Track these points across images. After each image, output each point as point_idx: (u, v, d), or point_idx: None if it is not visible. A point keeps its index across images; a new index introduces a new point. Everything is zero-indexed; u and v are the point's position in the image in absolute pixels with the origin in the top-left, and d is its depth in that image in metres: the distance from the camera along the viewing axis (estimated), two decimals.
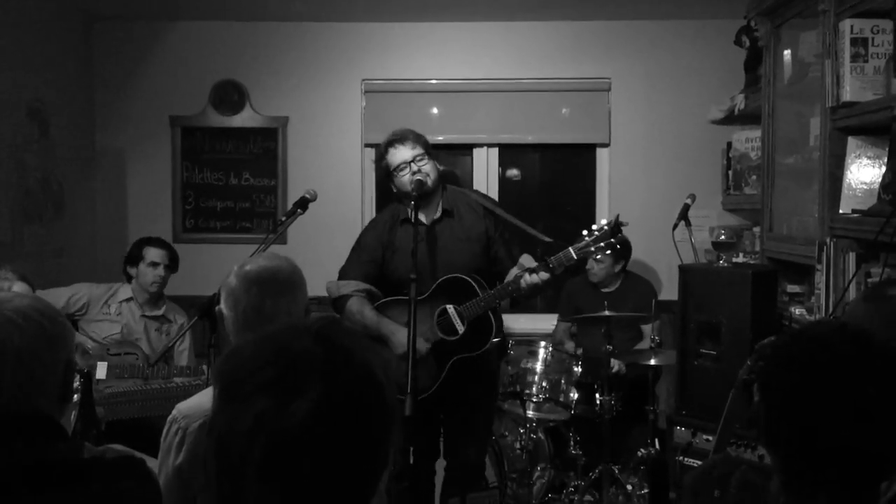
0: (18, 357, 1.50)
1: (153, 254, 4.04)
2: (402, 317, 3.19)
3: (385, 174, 3.39)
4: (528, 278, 3.06)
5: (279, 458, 0.98)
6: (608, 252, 3.11)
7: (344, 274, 3.44)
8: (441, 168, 3.46)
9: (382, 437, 1.05)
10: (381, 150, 3.39)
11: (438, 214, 3.39)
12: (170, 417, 1.98)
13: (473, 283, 3.21)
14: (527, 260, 3.31)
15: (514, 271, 3.22)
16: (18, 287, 3.40)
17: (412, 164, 3.28)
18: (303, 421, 0.97)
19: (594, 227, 3.05)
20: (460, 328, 3.18)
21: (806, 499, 1.20)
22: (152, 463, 1.92)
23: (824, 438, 1.19)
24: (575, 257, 3.03)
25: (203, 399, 2.00)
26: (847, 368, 1.22)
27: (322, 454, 0.99)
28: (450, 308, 3.21)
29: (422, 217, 3.31)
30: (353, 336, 1.09)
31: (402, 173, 3.30)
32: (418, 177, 3.26)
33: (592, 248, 3.03)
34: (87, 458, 1.53)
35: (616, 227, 3.02)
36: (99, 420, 2.74)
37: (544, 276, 3.04)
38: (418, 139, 3.35)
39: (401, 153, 3.30)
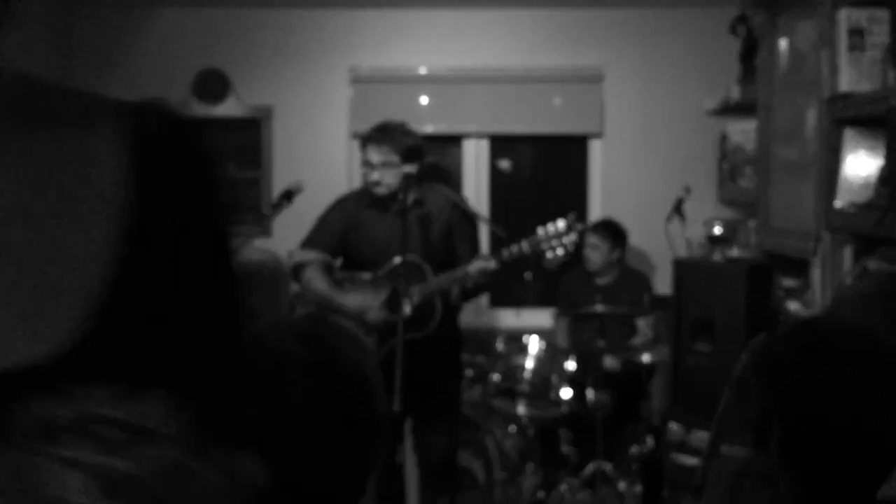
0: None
1: None
2: (353, 291, 3.40)
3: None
4: (477, 263, 3.21)
5: (266, 463, 0.95)
6: (569, 248, 3.25)
7: (306, 243, 3.53)
8: (419, 168, 3.45)
9: (372, 439, 1.03)
10: (361, 142, 3.51)
11: (408, 204, 3.42)
12: None
13: (426, 268, 3.32)
14: (483, 254, 3.44)
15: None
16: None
17: (375, 169, 3.35)
18: (289, 426, 0.97)
19: (550, 224, 3.21)
20: (407, 309, 3.21)
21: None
22: None
23: (817, 438, 1.15)
24: (525, 250, 3.20)
25: None
26: (842, 365, 1.18)
27: (309, 458, 0.98)
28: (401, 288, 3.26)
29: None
30: (342, 335, 1.06)
31: (364, 170, 3.43)
32: (374, 187, 3.38)
33: (543, 246, 3.20)
34: None
35: (570, 227, 3.19)
36: None
37: (492, 263, 3.20)
38: (395, 144, 3.36)
39: (368, 154, 3.38)
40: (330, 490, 1.00)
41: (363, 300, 3.36)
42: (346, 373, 1.01)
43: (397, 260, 3.29)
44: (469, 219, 3.54)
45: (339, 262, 3.59)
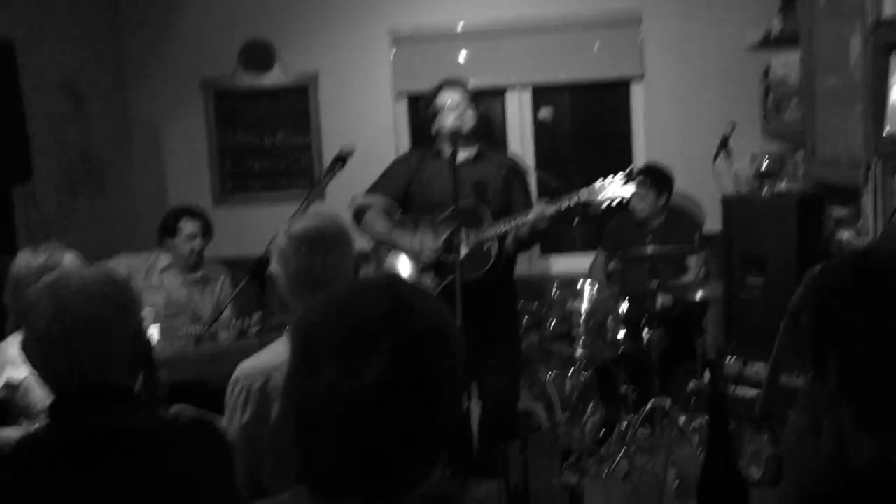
0: (89, 327, 1.54)
1: (189, 226, 4.04)
2: (411, 231, 3.56)
3: (431, 113, 3.61)
4: (537, 208, 3.32)
5: (356, 418, 1.02)
6: (625, 201, 3.33)
7: (371, 189, 3.72)
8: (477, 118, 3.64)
9: (455, 386, 1.08)
10: (432, 92, 3.62)
11: (469, 155, 3.61)
12: (233, 378, 2.03)
13: (484, 213, 3.46)
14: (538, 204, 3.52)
15: None
16: (69, 258, 3.46)
17: (457, 108, 3.53)
18: (375, 383, 1.01)
19: (609, 177, 3.29)
20: (463, 251, 3.32)
21: (874, 429, 1.18)
22: (218, 422, 1.98)
23: (872, 364, 1.17)
24: (583, 199, 3.28)
25: (263, 358, 2.05)
26: (890, 290, 1.19)
27: (398, 411, 1.02)
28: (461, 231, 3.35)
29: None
30: (417, 291, 1.11)
31: (444, 115, 3.55)
32: (458, 122, 3.51)
33: (600, 196, 3.26)
34: (162, 423, 1.58)
35: (629, 178, 3.28)
36: (162, 383, 2.81)
37: (550, 209, 3.29)
38: (466, 90, 3.62)
39: (451, 95, 3.56)
40: (421, 436, 1.04)
41: (420, 240, 3.51)
42: (427, 325, 1.06)
43: (458, 205, 3.37)
44: (523, 177, 3.68)
45: (399, 211, 3.72)
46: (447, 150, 3.51)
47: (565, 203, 3.31)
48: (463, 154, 3.54)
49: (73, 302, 1.54)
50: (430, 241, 3.50)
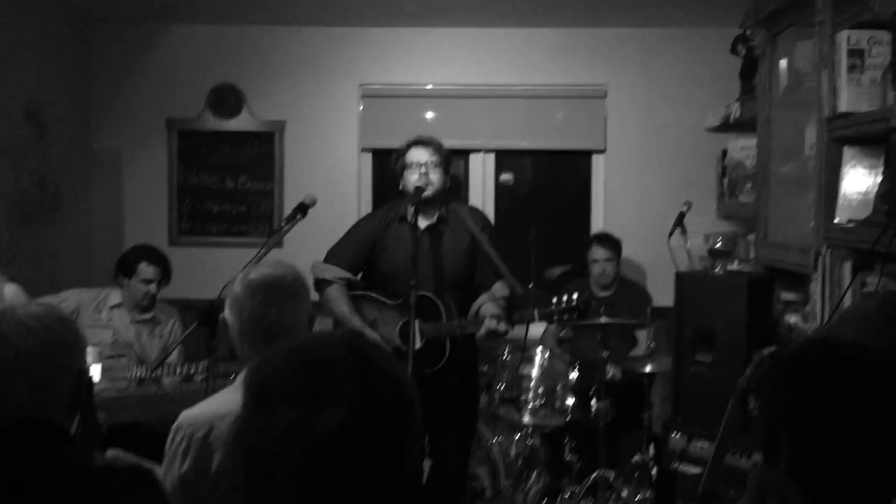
0: (32, 362, 1.50)
1: (146, 271, 3.92)
2: (370, 314, 3.51)
3: (399, 170, 3.56)
4: (489, 324, 3.28)
5: (312, 465, 1.01)
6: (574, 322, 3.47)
7: (330, 257, 3.63)
8: (448, 180, 3.61)
9: (412, 447, 1.08)
10: (404, 147, 3.56)
11: (433, 221, 3.55)
12: (175, 425, 1.98)
13: (441, 308, 3.41)
14: (498, 289, 3.53)
15: (483, 297, 3.50)
16: (10, 289, 3.38)
17: (423, 167, 3.47)
18: (335, 430, 1.01)
19: (564, 297, 3.33)
20: (418, 343, 3.28)
21: None
22: (156, 470, 1.93)
23: (826, 453, 1.18)
24: (536, 320, 3.36)
25: (208, 406, 2.01)
26: (852, 382, 1.21)
27: (352, 463, 1.02)
28: (414, 323, 3.29)
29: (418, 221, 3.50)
30: (376, 347, 1.12)
31: (411, 172, 3.49)
32: (422, 181, 3.45)
33: (555, 318, 3.35)
34: (96, 466, 1.53)
35: (583, 307, 3.33)
36: (101, 425, 2.73)
37: (503, 327, 3.30)
38: (440, 150, 3.55)
39: (418, 153, 3.50)
40: (372, 493, 1.03)
41: (378, 332, 3.45)
42: (388, 381, 1.06)
43: (413, 290, 3.28)
44: (489, 235, 3.58)
45: (359, 278, 3.67)
46: (411, 212, 3.48)
47: (517, 318, 3.33)
48: (426, 221, 3.51)
49: (16, 335, 1.50)
50: (386, 332, 3.46)
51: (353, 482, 1.02)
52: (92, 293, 4.00)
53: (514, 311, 3.34)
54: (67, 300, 3.91)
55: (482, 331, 3.31)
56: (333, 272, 3.58)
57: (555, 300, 3.35)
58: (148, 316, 4.01)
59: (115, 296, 3.98)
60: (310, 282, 3.40)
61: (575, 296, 3.33)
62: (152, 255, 3.98)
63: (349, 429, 1.01)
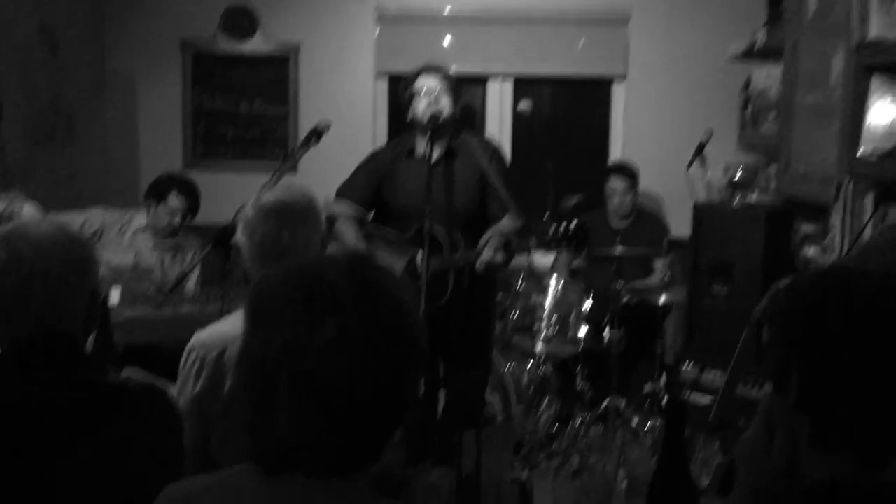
0: (46, 279, 1.50)
1: (176, 202, 3.92)
2: (380, 249, 3.49)
3: (407, 99, 3.50)
4: (486, 255, 3.26)
5: (304, 383, 1.01)
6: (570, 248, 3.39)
7: (341, 193, 3.63)
8: (459, 109, 3.53)
9: (410, 365, 1.08)
10: (412, 75, 3.49)
11: (442, 153, 3.49)
12: (188, 346, 1.99)
13: (442, 241, 3.37)
14: (505, 221, 3.44)
15: (492, 230, 3.41)
16: (28, 209, 3.38)
17: (432, 94, 3.40)
18: (328, 345, 1.01)
19: (562, 225, 3.27)
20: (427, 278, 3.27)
21: (827, 448, 1.19)
22: (170, 390, 1.95)
23: (836, 383, 1.17)
24: (534, 248, 3.36)
25: (220, 328, 2.02)
26: (864, 311, 1.18)
27: (349, 377, 1.02)
28: (418, 258, 3.29)
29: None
30: (383, 272, 1.11)
31: (419, 100, 3.42)
32: (432, 108, 3.38)
33: (552, 245, 3.34)
34: (110, 385, 1.54)
35: (581, 234, 3.26)
36: (116, 345, 2.77)
37: (499, 258, 3.27)
38: (448, 77, 3.48)
39: (427, 80, 3.44)
40: (372, 409, 1.04)
41: (387, 263, 3.43)
42: (386, 298, 1.06)
43: (425, 221, 3.26)
44: (499, 168, 3.51)
45: (370, 215, 3.66)
46: (420, 143, 3.43)
47: (514, 246, 3.30)
48: (435, 151, 3.44)
49: (29, 253, 1.50)
50: (394, 262, 3.45)
51: (350, 398, 1.02)
52: (117, 214, 4.01)
53: (511, 241, 3.30)
54: (92, 219, 3.93)
55: (479, 262, 3.30)
56: (341, 207, 3.58)
57: (552, 228, 3.31)
58: (172, 242, 4.03)
59: (139, 218, 4.00)
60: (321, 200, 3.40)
61: (573, 224, 3.28)
62: (184, 186, 3.97)
63: (345, 341, 1.01)
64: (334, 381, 1.01)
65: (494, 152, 3.61)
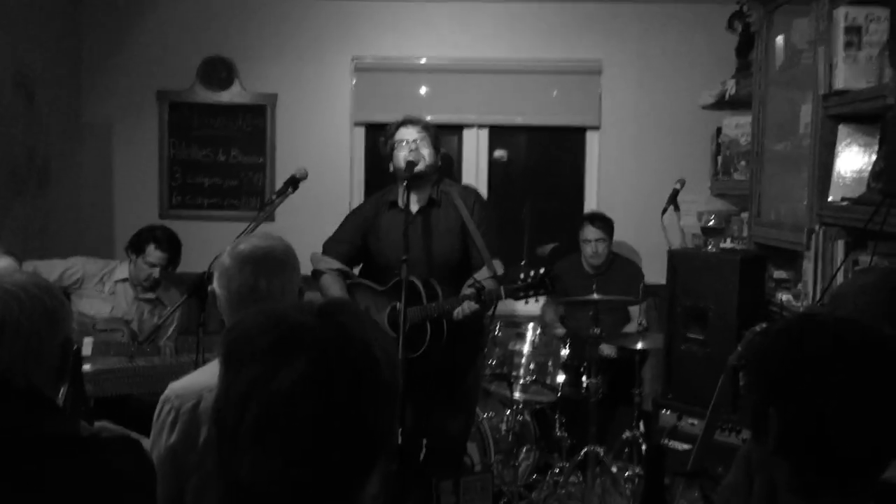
0: (17, 330, 1.48)
1: (156, 255, 3.90)
2: (363, 302, 3.52)
3: (388, 151, 3.54)
4: (462, 308, 3.31)
5: (269, 423, 1.00)
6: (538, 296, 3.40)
7: (326, 249, 3.68)
8: (440, 158, 3.59)
9: (378, 412, 1.05)
10: (392, 128, 3.55)
11: (424, 203, 3.54)
12: (162, 397, 1.96)
13: (421, 291, 3.39)
14: (483, 270, 3.47)
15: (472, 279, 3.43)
16: (4, 262, 3.35)
17: (413, 143, 3.46)
18: (291, 388, 0.99)
19: (531, 273, 3.30)
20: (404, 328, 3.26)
21: (806, 493, 1.19)
22: (144, 442, 1.91)
23: (814, 429, 1.18)
24: (503, 297, 3.32)
25: (196, 378, 1.99)
26: (839, 356, 1.20)
27: (311, 422, 1.00)
28: (398, 307, 3.27)
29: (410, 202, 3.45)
30: (356, 316, 1.09)
31: (400, 149, 3.47)
32: (412, 157, 3.42)
33: (521, 294, 3.31)
34: (84, 435, 1.51)
35: (546, 278, 3.28)
36: (88, 397, 2.72)
37: (473, 306, 3.31)
38: (428, 127, 3.55)
39: (407, 132, 3.49)
40: (336, 458, 1.01)
41: (371, 314, 3.42)
42: (352, 345, 1.04)
43: (404, 265, 3.24)
44: (485, 218, 3.54)
45: (357, 269, 3.72)
46: (402, 193, 3.43)
47: (486, 297, 3.29)
48: (417, 202, 3.49)
49: (3, 303, 1.49)
50: (378, 319, 3.44)
51: (315, 440, 1.00)
52: (99, 264, 3.99)
53: (482, 290, 3.30)
54: (73, 268, 3.90)
55: (455, 312, 3.32)
56: (327, 263, 3.63)
57: (521, 276, 3.32)
58: (152, 296, 3.99)
59: (122, 270, 3.97)
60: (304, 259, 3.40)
61: (541, 270, 3.31)
62: (164, 239, 3.94)
63: (312, 381, 0.99)
64: (300, 421, 0.99)
65: (476, 199, 3.64)
